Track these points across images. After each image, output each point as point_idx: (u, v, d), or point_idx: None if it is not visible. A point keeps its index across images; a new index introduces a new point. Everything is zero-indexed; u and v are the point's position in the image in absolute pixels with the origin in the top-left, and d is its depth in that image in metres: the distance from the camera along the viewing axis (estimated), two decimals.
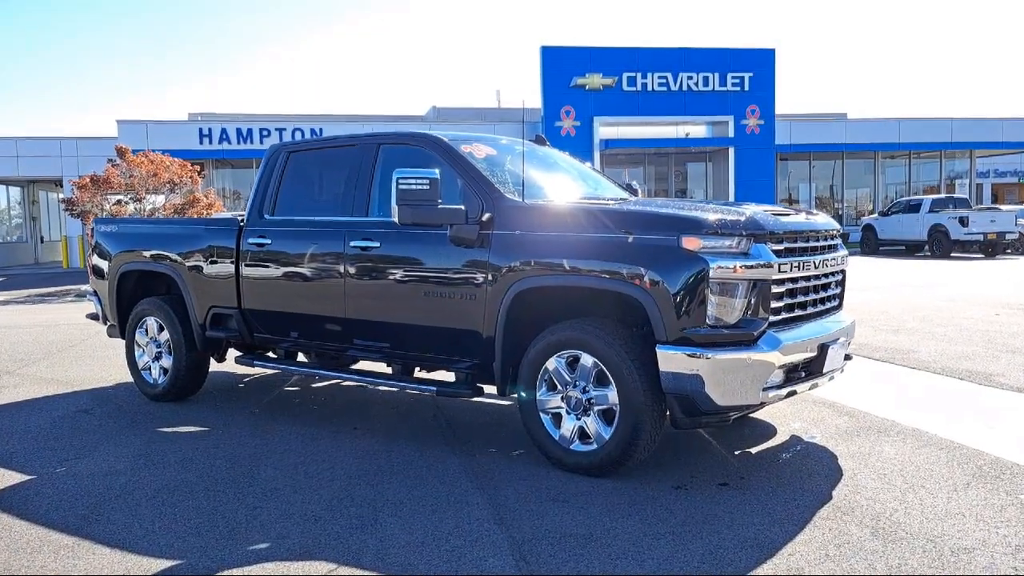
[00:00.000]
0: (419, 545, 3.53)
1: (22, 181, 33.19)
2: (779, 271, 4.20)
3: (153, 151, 21.50)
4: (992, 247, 23.95)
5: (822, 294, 4.68)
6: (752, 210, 4.41)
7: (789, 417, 5.60)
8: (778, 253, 4.24)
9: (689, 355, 4.04)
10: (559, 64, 29.76)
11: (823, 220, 4.87)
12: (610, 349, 4.23)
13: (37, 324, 12.09)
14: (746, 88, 30.66)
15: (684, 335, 4.07)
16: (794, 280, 4.36)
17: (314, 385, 7.13)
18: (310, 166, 5.95)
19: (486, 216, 4.72)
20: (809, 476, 4.39)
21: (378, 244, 5.16)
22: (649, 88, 30.08)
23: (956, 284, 15.36)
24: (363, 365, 6.23)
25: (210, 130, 29.29)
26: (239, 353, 6.40)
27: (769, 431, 5.30)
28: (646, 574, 3.23)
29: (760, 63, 30.79)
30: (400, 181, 4.63)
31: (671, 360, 4.08)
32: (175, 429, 5.70)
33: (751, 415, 5.55)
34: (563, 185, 5.66)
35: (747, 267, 4.09)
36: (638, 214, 4.43)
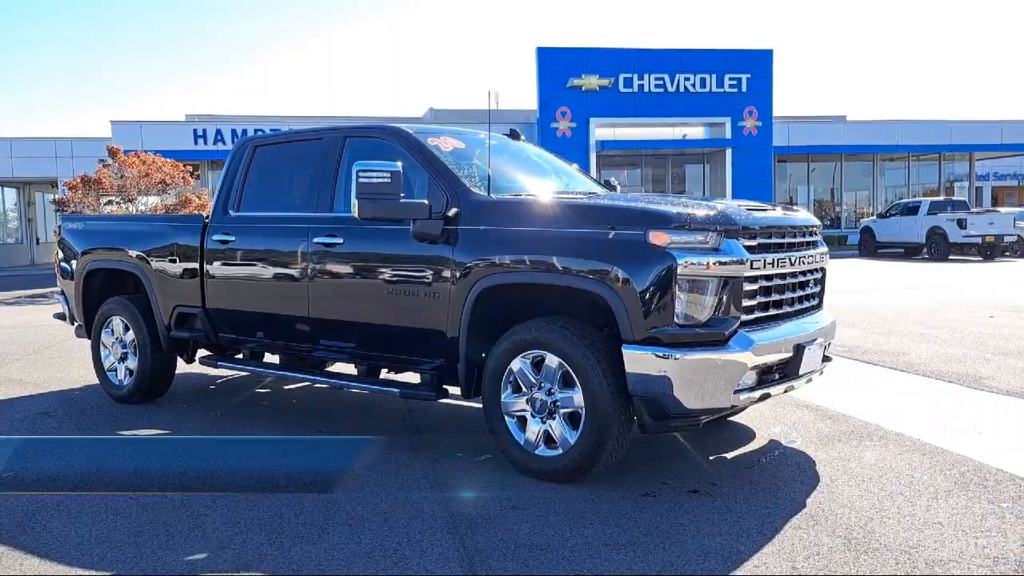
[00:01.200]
0: (364, 556, 3.34)
1: (17, 182, 33.05)
2: (752, 268, 4.01)
3: (147, 152, 21.31)
4: (990, 250, 23.73)
5: (799, 292, 4.49)
6: (724, 205, 4.23)
7: (770, 421, 5.41)
8: (751, 249, 4.04)
9: (657, 356, 3.85)
10: (555, 65, 29.58)
11: (802, 216, 4.69)
12: (575, 349, 4.04)
13: (19, 325, 11.91)
14: (744, 89, 30.47)
15: (652, 335, 3.88)
16: (768, 278, 4.17)
17: (286, 387, 6.95)
18: (276, 161, 5.78)
19: (452, 211, 4.53)
20: (784, 483, 4.20)
21: (341, 240, 4.98)
22: (646, 89, 29.89)
23: (952, 287, 15.17)
24: (331, 367, 6.05)
25: (204, 131, 29.15)
26: (206, 353, 6.22)
27: (748, 435, 5.10)
28: None
29: (758, 64, 30.60)
30: (360, 174, 4.45)
31: (638, 361, 3.89)
32: (135, 432, 5.52)
33: (730, 419, 5.36)
34: (534, 180, 5.47)
35: (718, 263, 3.90)
36: (604, 208, 4.25)
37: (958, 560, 3.21)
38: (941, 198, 28.29)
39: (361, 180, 4.44)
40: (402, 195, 4.49)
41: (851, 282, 16.16)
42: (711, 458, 4.66)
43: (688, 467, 4.51)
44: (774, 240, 4.25)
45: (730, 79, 30.34)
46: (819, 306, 4.84)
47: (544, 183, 5.46)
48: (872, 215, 31.26)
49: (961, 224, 23.74)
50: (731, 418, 5.38)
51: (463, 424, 5.58)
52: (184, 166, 21.33)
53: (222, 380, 7.31)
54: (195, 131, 29.19)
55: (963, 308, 11.49)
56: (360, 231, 4.90)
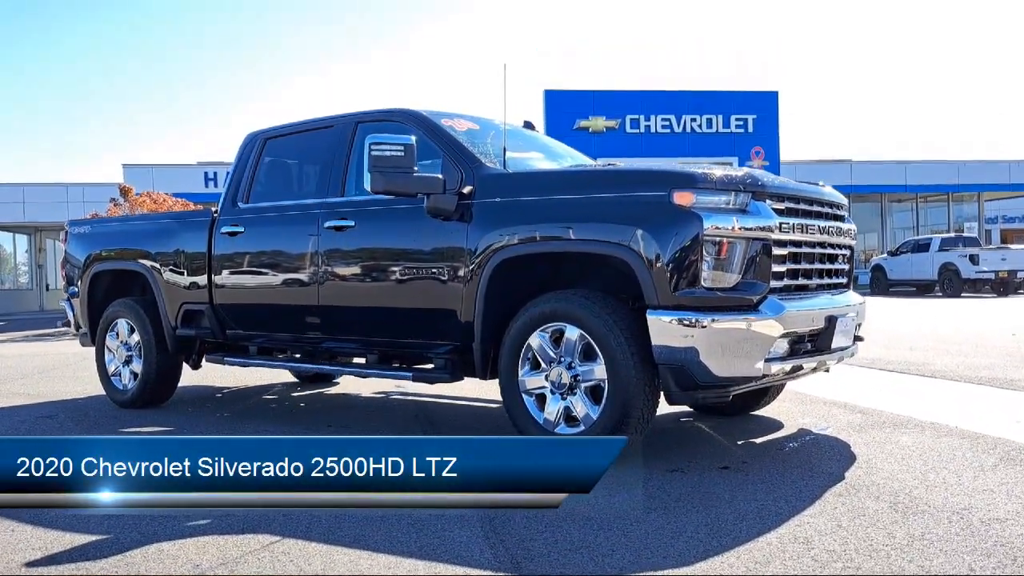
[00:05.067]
0: (378, 519, 3.14)
1: (28, 228, 33.22)
2: (780, 231, 3.85)
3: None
4: (1004, 286, 23.43)
5: (828, 266, 4.32)
6: (751, 169, 4.09)
7: (797, 414, 5.19)
8: (780, 213, 3.89)
9: (683, 322, 3.67)
10: (562, 107, 29.81)
11: (829, 191, 4.54)
12: (596, 319, 3.85)
13: (25, 354, 11.77)
14: (750, 130, 30.59)
15: (677, 300, 3.70)
16: (797, 244, 4.00)
17: (294, 394, 6.76)
18: (287, 152, 5.68)
19: (467, 188, 4.40)
20: (819, 461, 3.99)
21: (353, 223, 4.84)
22: (652, 130, 30.05)
23: (969, 317, 14.94)
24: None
25: (215, 173, 29.33)
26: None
27: (775, 425, 4.89)
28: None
29: (764, 105, 30.78)
30: (373, 147, 4.32)
31: (663, 328, 3.70)
32: (138, 429, 5.33)
33: (754, 412, 5.15)
34: (549, 162, 5.33)
35: (746, 226, 3.74)
36: (625, 171, 4.13)
37: (1015, 519, 2.99)
38: (952, 235, 28.09)
39: (374, 153, 4.32)
40: (416, 169, 4.37)
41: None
42: (739, 442, 4.45)
43: (715, 449, 4.30)
44: (802, 207, 4.10)
45: (736, 120, 30.48)
46: (848, 286, 4.67)
47: (559, 164, 5.32)
48: (884, 255, 31.06)
49: (974, 260, 23.50)
50: (755, 412, 5.17)
51: (475, 418, 5.39)
52: (195, 206, 21.38)
53: (228, 390, 7.13)
54: (206, 173, 29.42)
55: (983, 330, 11.26)
56: (372, 212, 4.77)
